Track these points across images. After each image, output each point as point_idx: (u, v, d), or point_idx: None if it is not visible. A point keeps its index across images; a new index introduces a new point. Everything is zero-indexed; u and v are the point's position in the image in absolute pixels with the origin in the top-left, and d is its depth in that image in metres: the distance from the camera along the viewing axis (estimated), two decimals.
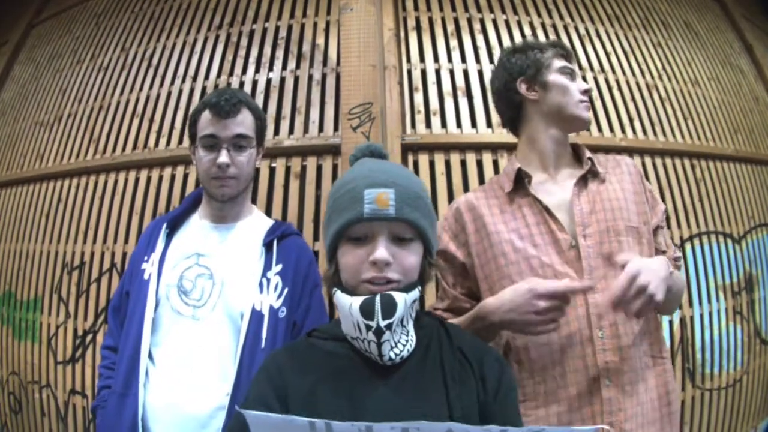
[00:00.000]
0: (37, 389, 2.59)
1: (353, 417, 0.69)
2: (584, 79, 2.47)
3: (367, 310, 0.74)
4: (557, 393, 1.05)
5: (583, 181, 1.14)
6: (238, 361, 1.13)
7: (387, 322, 0.74)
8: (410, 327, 0.78)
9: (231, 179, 1.20)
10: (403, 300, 0.75)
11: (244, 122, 1.21)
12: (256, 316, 1.16)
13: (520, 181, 1.16)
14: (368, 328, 0.74)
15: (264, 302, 1.17)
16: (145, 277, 1.20)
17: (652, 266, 0.94)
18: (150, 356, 1.16)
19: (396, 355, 0.76)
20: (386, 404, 0.74)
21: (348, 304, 0.76)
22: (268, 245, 1.23)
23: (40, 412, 2.58)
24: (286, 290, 1.20)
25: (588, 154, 1.18)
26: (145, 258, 1.23)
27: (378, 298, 0.74)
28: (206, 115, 1.19)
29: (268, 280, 1.19)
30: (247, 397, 0.79)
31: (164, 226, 1.26)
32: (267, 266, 1.21)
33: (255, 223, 1.30)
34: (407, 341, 0.77)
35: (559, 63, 1.19)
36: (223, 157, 1.18)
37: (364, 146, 0.90)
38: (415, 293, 0.78)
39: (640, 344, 1.05)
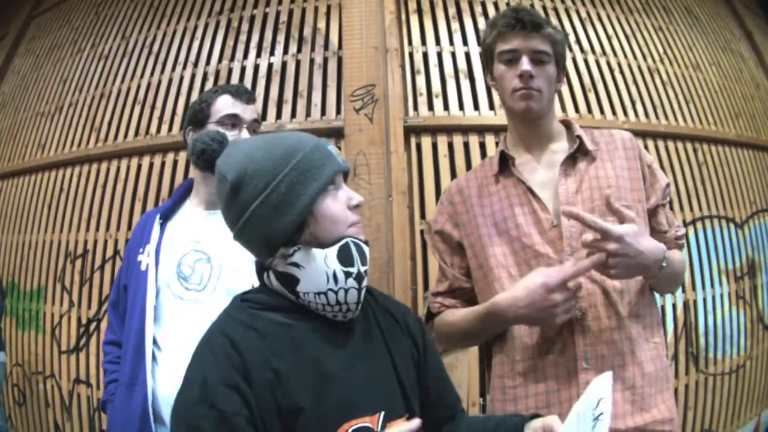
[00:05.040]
0: (41, 380, 2.59)
1: (320, 386, 0.72)
2: (585, 62, 2.48)
3: (346, 257, 0.75)
4: (536, 373, 1.03)
5: (571, 160, 1.09)
6: None
7: (365, 268, 0.77)
8: None
9: None
10: (368, 253, 0.79)
11: (256, 111, 1.30)
12: None
13: (505, 162, 1.14)
14: (348, 275, 0.74)
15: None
16: (143, 268, 1.21)
17: (640, 246, 0.92)
18: (155, 343, 1.18)
19: (360, 304, 0.79)
20: (347, 368, 0.76)
21: (323, 255, 0.74)
22: None
23: (45, 402, 2.58)
24: None
25: (578, 131, 1.11)
26: (141, 250, 1.25)
27: (353, 246, 0.76)
28: (227, 98, 1.25)
29: None
30: (207, 381, 0.69)
31: (158, 216, 1.28)
32: None
33: None
34: None
35: (499, 48, 1.08)
36: (246, 135, 1.23)
37: (214, 132, 0.90)
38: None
39: (627, 327, 1.01)
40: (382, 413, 0.75)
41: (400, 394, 0.80)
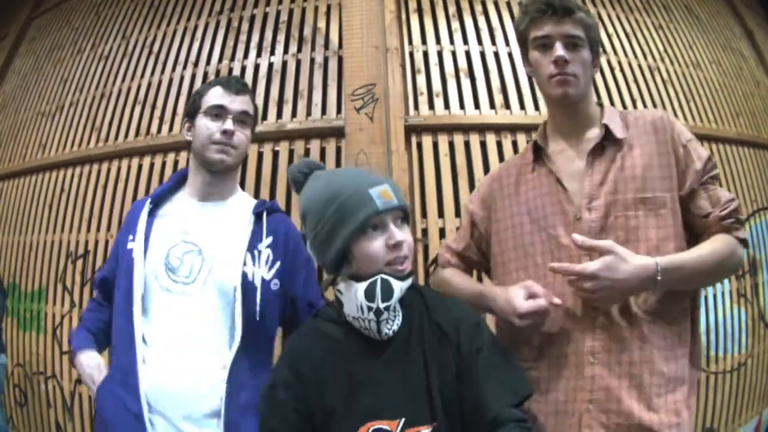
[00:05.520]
0: (42, 380, 2.59)
1: (352, 392, 0.89)
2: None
3: (369, 294, 0.88)
4: (543, 362, 1.06)
5: (600, 149, 1.07)
6: (239, 334, 1.13)
7: (385, 304, 0.88)
8: (397, 306, 0.92)
9: (232, 148, 1.23)
10: (399, 287, 0.89)
11: (248, 103, 1.27)
12: (250, 289, 1.17)
13: (539, 151, 1.15)
14: (369, 309, 0.88)
15: (255, 274, 1.18)
16: (133, 255, 1.19)
17: (619, 274, 0.93)
18: (143, 337, 1.15)
19: (389, 329, 0.91)
20: (377, 379, 0.90)
21: (354, 289, 0.89)
22: (257, 216, 1.24)
23: (46, 403, 2.58)
24: (278, 263, 1.22)
25: (605, 119, 1.08)
26: (131, 237, 1.22)
27: (379, 284, 0.88)
28: (217, 89, 1.25)
29: (259, 252, 1.20)
30: (274, 380, 0.94)
31: (148, 202, 1.25)
32: (257, 238, 1.21)
33: (241, 201, 1.31)
34: (395, 317, 0.92)
35: (532, 34, 1.09)
36: (230, 125, 1.21)
37: (303, 164, 1.00)
38: (409, 281, 0.92)
39: (640, 326, 1.00)
40: (403, 419, 0.87)
41: (428, 404, 0.89)
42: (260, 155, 2.23)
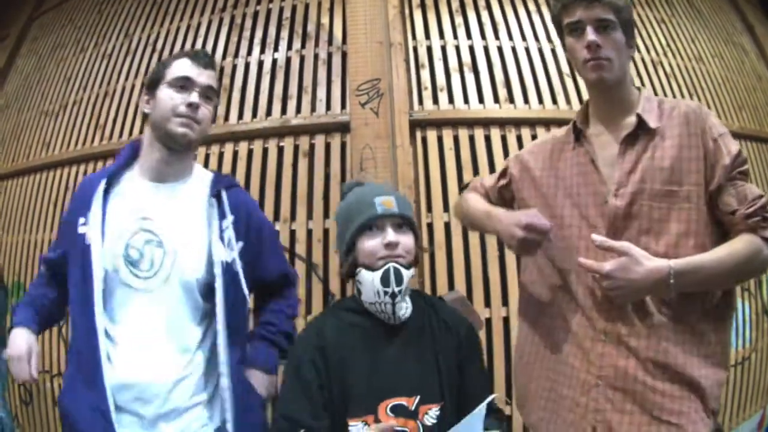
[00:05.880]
0: (48, 378, 2.59)
1: (372, 372, 1.02)
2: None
3: (385, 279, 1.04)
4: (555, 339, 1.12)
5: (633, 138, 1.08)
6: (223, 328, 1.12)
7: (399, 288, 1.04)
8: (407, 297, 1.09)
9: (196, 123, 1.16)
10: (407, 274, 1.05)
11: (214, 79, 1.22)
12: (228, 276, 1.15)
13: (579, 131, 1.17)
14: (386, 293, 1.03)
15: (226, 259, 1.16)
16: (87, 242, 1.11)
17: (633, 275, 0.96)
18: (107, 336, 1.10)
19: (402, 314, 1.06)
20: (396, 364, 1.04)
21: (371, 277, 1.05)
22: (217, 196, 1.20)
23: (52, 401, 2.58)
24: (240, 243, 1.19)
25: (640, 108, 1.08)
26: (82, 220, 1.14)
27: (392, 271, 1.03)
28: (184, 61, 1.18)
29: (223, 232, 1.17)
30: (300, 359, 1.05)
31: (103, 182, 1.16)
32: (221, 218, 1.18)
33: (199, 182, 1.24)
34: (407, 306, 1.08)
35: (565, 20, 1.10)
36: (196, 98, 1.15)
37: (352, 182, 1.22)
38: (413, 271, 1.09)
39: (653, 317, 1.01)
40: (418, 397, 1.02)
41: (438, 385, 1.05)
42: (265, 151, 2.24)
